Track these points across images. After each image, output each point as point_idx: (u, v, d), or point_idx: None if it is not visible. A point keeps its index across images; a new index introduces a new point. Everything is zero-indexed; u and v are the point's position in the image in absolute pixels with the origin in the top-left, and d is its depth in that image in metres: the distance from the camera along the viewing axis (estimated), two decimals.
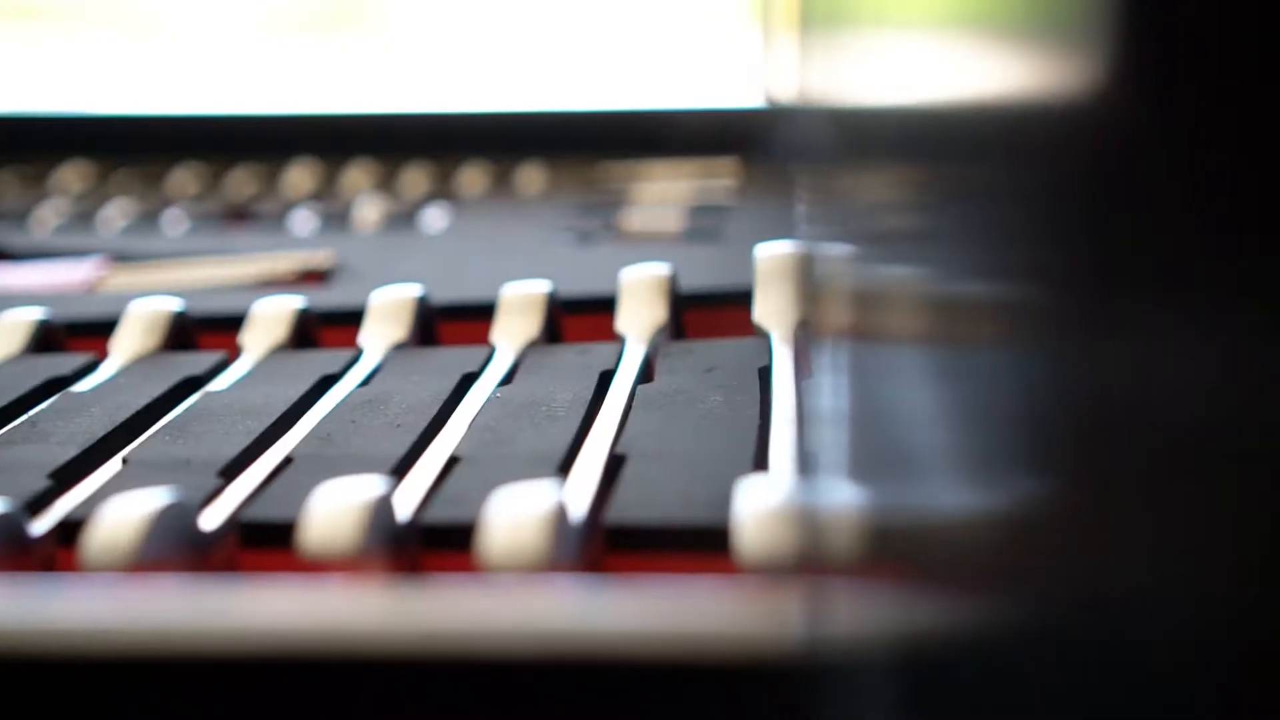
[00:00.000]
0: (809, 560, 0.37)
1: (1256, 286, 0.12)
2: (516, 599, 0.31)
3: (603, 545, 0.42)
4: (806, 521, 0.37)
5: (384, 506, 0.41)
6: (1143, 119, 0.12)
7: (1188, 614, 0.13)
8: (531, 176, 1.05)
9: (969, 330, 0.19)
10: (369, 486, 0.42)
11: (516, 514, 0.40)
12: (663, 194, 0.98)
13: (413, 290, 0.66)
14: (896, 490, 0.24)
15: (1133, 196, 0.13)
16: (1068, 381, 0.14)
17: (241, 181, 1.07)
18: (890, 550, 0.25)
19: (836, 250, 0.41)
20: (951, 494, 0.19)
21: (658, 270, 0.65)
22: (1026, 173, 0.15)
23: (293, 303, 0.66)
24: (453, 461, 0.48)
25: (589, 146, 1.06)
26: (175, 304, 0.66)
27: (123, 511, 0.39)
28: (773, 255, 0.63)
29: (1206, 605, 0.13)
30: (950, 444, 0.19)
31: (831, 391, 0.42)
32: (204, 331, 0.67)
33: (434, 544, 0.43)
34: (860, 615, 0.26)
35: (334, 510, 0.40)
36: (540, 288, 0.65)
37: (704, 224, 0.88)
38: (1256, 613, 0.12)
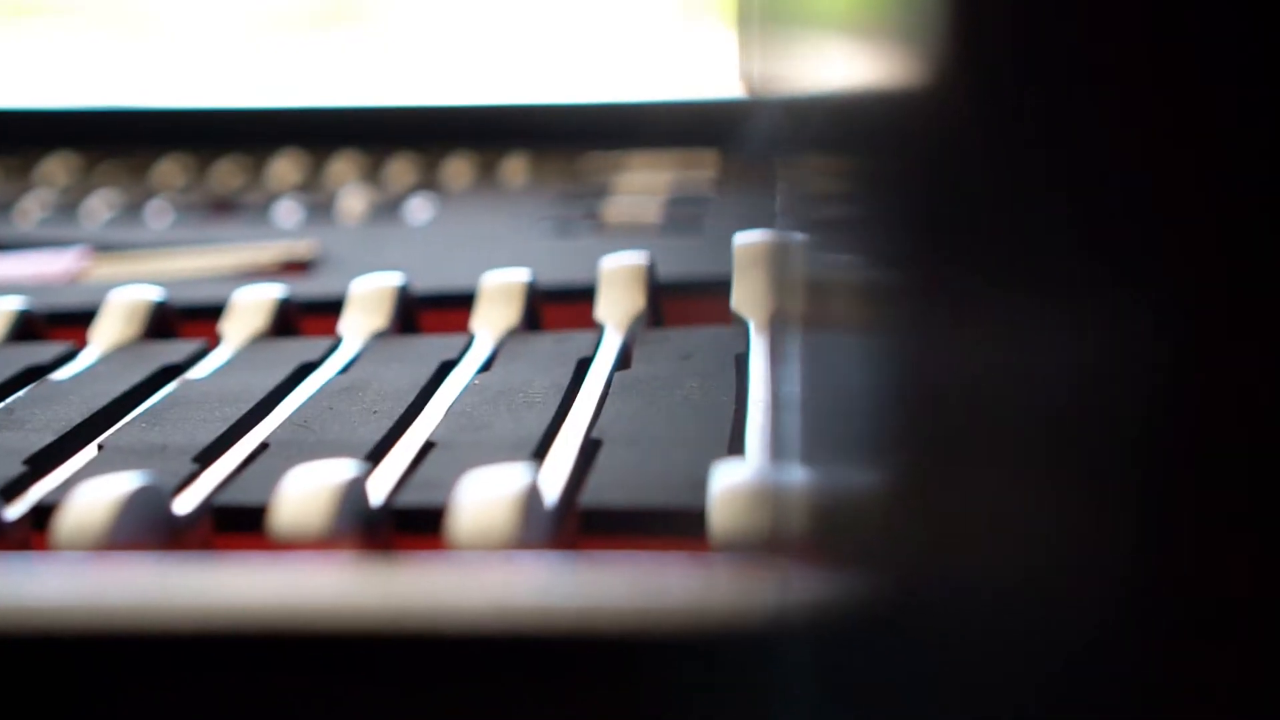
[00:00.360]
0: (770, 540, 0.37)
1: (1085, 272, 0.12)
2: (476, 575, 0.31)
3: (576, 528, 0.42)
4: (772, 503, 0.38)
5: (355, 490, 0.41)
6: (980, 113, 0.13)
7: (1052, 585, 0.13)
8: (515, 168, 1.05)
9: (848, 315, 0.19)
10: (340, 470, 0.42)
11: (486, 495, 0.40)
12: (643, 184, 0.98)
13: (393, 279, 0.66)
14: (822, 472, 0.24)
15: (965, 185, 0.13)
16: (925, 365, 0.15)
17: (226, 173, 1.07)
18: (815, 529, 0.25)
19: (794, 239, 0.41)
20: (848, 475, 0.20)
21: (636, 259, 0.65)
22: (879, 163, 0.16)
23: (273, 292, 0.66)
24: (428, 447, 0.48)
25: (572, 138, 1.06)
26: (155, 293, 0.66)
27: (94, 495, 0.40)
28: (751, 244, 0.63)
29: (1068, 576, 0.13)
30: (844, 428, 0.20)
31: (790, 378, 0.42)
32: (184, 321, 0.67)
33: (407, 528, 0.43)
34: (791, 593, 0.26)
35: (304, 493, 0.40)
36: (520, 276, 0.65)
37: (684, 214, 0.88)
38: (1108, 581, 0.12)
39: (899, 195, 0.15)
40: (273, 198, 1.00)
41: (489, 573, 0.31)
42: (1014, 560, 0.13)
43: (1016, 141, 0.13)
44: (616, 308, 0.62)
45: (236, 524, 0.43)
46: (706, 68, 1.20)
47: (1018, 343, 0.13)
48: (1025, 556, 0.13)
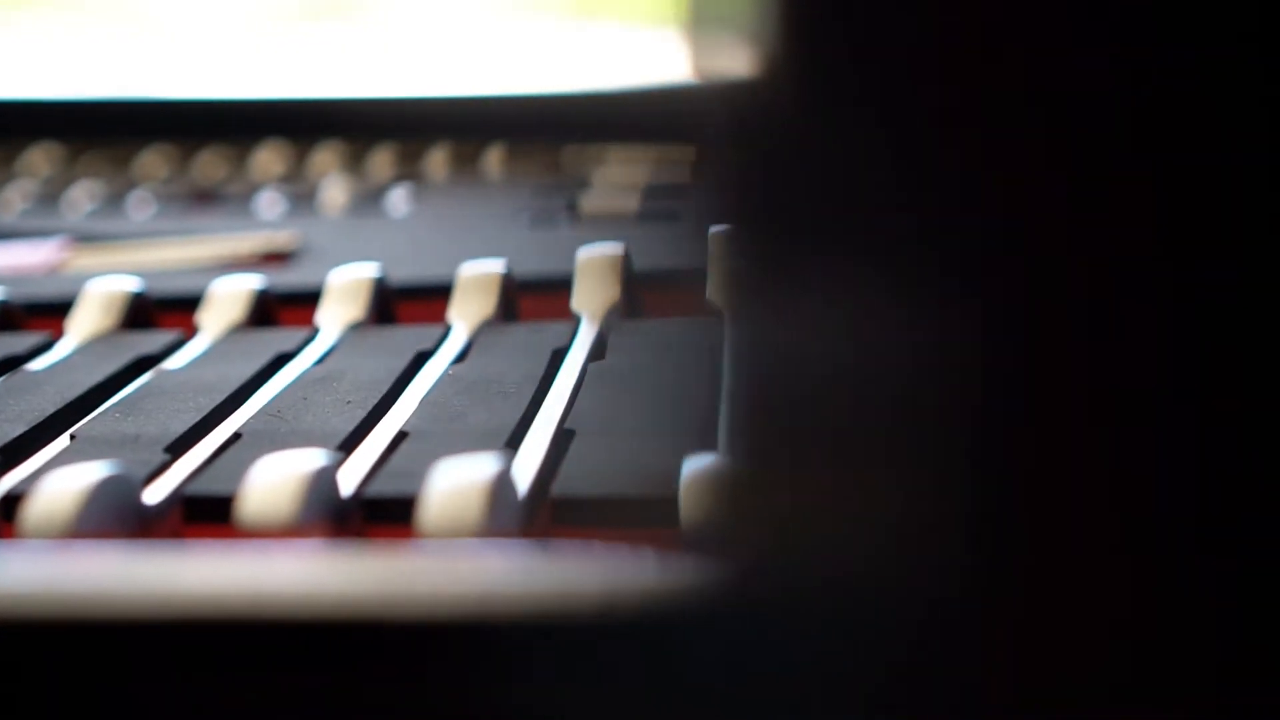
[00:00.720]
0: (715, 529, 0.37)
1: (918, 259, 0.13)
2: (429, 562, 0.31)
3: (548, 519, 0.42)
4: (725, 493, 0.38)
5: (323, 479, 0.42)
6: (813, 103, 0.13)
7: (890, 567, 0.13)
8: (496, 160, 1.05)
9: (704, 301, 0.20)
10: (309, 459, 0.42)
11: (454, 484, 0.40)
12: (622, 176, 0.98)
13: (370, 270, 0.66)
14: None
15: (803, 175, 0.13)
16: (773, 353, 0.15)
17: (209, 164, 1.07)
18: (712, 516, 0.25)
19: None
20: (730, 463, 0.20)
21: (612, 250, 0.65)
22: (726, 153, 0.16)
23: (251, 282, 0.66)
24: (401, 436, 0.48)
25: (552, 130, 1.06)
26: (133, 284, 0.66)
27: (61, 484, 0.40)
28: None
29: (902, 558, 0.13)
30: (730, 416, 0.20)
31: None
32: (162, 311, 0.67)
33: (377, 517, 0.43)
34: (660, 578, 0.26)
35: (272, 483, 0.40)
36: (496, 267, 0.65)
37: (662, 205, 0.88)
38: (945, 561, 0.13)
39: (743, 185, 0.15)
40: (255, 189, 1.00)
41: (445, 560, 0.31)
42: (859, 542, 0.13)
43: (849, 133, 0.13)
44: (592, 298, 0.63)
45: (206, 514, 0.43)
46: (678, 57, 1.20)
47: (859, 329, 0.13)
48: (869, 538, 0.13)
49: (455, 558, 0.32)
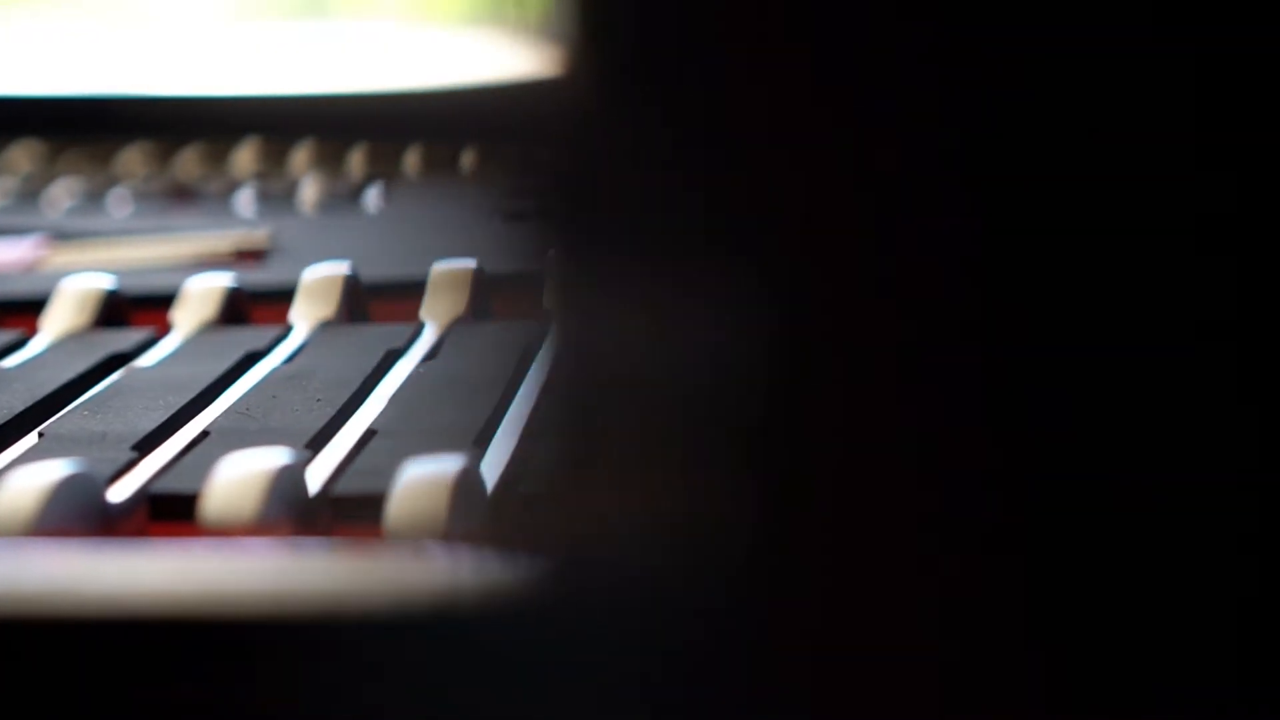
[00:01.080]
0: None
1: (704, 257, 0.13)
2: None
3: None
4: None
5: (288, 477, 0.42)
6: (607, 103, 0.13)
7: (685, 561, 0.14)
8: (471, 158, 1.05)
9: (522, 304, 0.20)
10: (273, 457, 0.42)
11: (418, 482, 0.40)
12: None
13: (342, 269, 0.66)
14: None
15: (598, 173, 0.14)
16: (575, 351, 0.15)
17: (189, 162, 1.07)
18: (502, 515, 0.26)
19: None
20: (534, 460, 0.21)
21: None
22: (528, 152, 0.16)
23: (223, 280, 0.66)
24: (369, 435, 0.49)
25: (527, 129, 1.06)
26: (106, 281, 0.66)
27: (23, 482, 0.40)
28: None
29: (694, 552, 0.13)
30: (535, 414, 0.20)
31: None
32: (136, 309, 0.67)
33: (343, 515, 0.43)
34: (465, 577, 0.26)
35: (236, 480, 0.41)
36: (468, 266, 0.65)
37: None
38: (734, 561, 0.13)
39: (547, 185, 0.15)
40: (233, 187, 1.00)
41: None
42: (651, 543, 0.14)
43: (642, 134, 0.13)
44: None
45: (172, 512, 0.43)
46: None
47: (651, 329, 0.13)
48: (661, 537, 0.14)
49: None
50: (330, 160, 1.07)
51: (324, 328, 0.63)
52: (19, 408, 0.52)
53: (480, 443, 0.47)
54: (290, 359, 0.58)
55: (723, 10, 0.14)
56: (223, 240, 0.80)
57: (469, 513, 0.40)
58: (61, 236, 0.84)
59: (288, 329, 0.63)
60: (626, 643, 0.15)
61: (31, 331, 0.64)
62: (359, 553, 0.32)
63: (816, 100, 0.16)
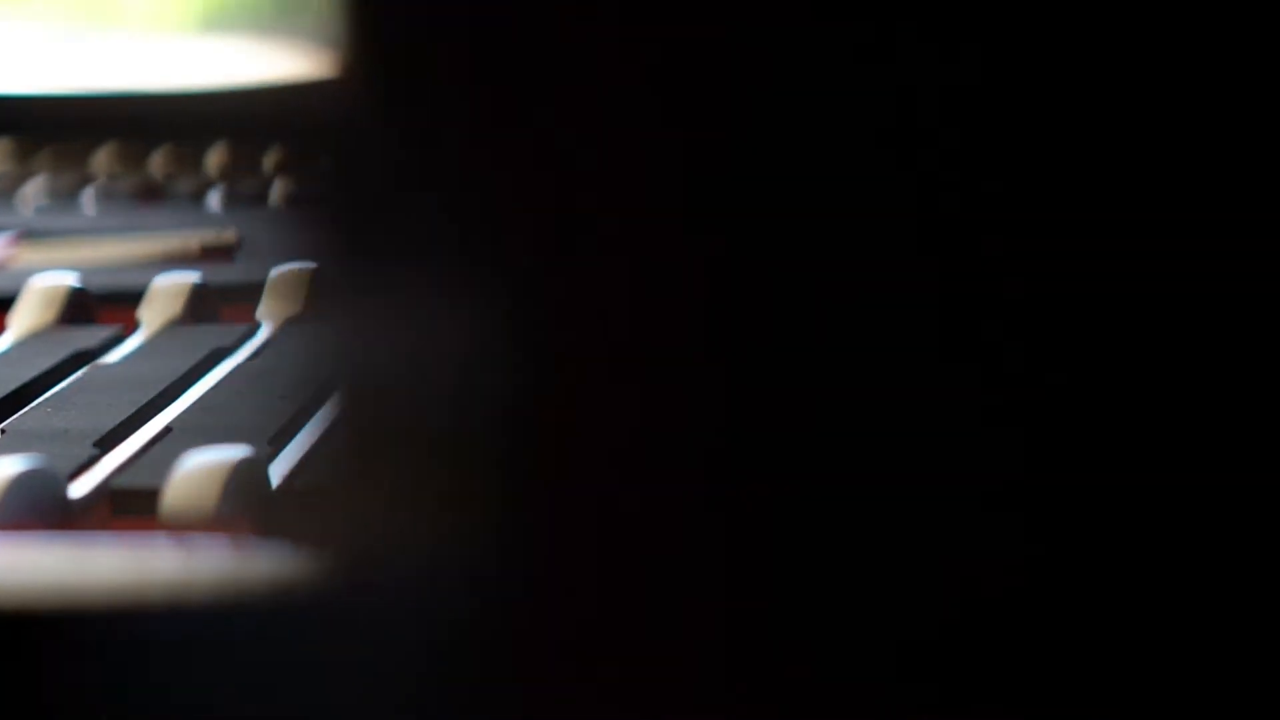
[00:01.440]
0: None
1: (456, 262, 0.13)
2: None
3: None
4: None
5: (249, 472, 0.42)
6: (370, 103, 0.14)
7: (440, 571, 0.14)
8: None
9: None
10: (234, 453, 0.42)
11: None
12: None
13: (310, 266, 0.66)
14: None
15: (364, 177, 0.14)
16: (352, 353, 0.16)
17: (162, 160, 1.07)
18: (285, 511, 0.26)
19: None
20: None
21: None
22: (299, 149, 0.17)
23: (190, 278, 0.66)
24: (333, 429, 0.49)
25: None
26: (73, 279, 0.66)
27: None
28: None
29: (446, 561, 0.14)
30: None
31: None
32: (103, 307, 0.67)
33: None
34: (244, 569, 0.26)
35: (195, 476, 0.41)
36: None
37: None
38: (492, 563, 0.13)
39: (320, 187, 0.16)
40: (205, 185, 1.00)
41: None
42: (410, 540, 0.14)
43: (406, 135, 0.13)
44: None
45: (132, 507, 0.44)
46: None
47: (406, 330, 0.14)
48: (418, 537, 0.14)
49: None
50: (303, 160, 1.07)
51: (292, 325, 0.63)
52: None
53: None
54: (255, 356, 0.58)
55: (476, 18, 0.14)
56: (192, 238, 0.80)
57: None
58: (32, 235, 0.84)
59: (255, 326, 0.63)
60: (388, 639, 0.15)
61: None
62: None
63: (560, 106, 0.17)
